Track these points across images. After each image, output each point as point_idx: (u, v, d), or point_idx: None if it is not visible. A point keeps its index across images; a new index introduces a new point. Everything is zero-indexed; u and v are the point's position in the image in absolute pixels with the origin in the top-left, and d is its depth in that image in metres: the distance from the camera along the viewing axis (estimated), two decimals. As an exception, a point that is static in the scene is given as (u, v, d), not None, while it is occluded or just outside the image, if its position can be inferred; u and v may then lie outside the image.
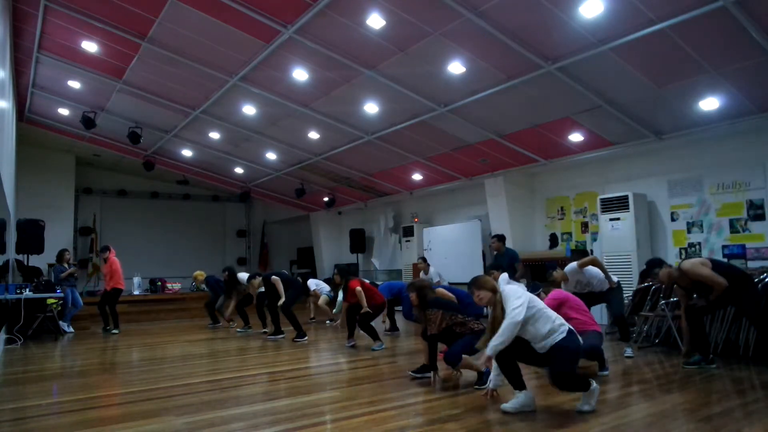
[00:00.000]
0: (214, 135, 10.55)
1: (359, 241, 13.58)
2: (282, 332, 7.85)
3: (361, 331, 6.82)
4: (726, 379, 4.62)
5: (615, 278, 5.90)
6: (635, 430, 3.26)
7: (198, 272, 10.71)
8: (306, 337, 7.54)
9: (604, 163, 8.66)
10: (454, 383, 4.61)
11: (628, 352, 5.74)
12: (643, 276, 6.53)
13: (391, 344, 7.14)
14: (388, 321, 8.41)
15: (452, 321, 4.50)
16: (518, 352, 3.71)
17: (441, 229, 11.42)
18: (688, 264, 4.98)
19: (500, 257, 8.14)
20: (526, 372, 3.97)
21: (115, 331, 8.90)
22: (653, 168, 8.10)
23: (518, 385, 3.74)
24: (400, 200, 12.92)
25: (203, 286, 10.71)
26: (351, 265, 13.28)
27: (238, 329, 8.87)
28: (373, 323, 6.77)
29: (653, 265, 5.43)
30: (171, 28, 6.73)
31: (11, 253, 8.93)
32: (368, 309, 6.63)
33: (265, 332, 8.41)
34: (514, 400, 3.70)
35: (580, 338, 3.72)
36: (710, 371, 4.90)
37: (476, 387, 4.40)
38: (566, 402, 3.84)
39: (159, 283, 13.08)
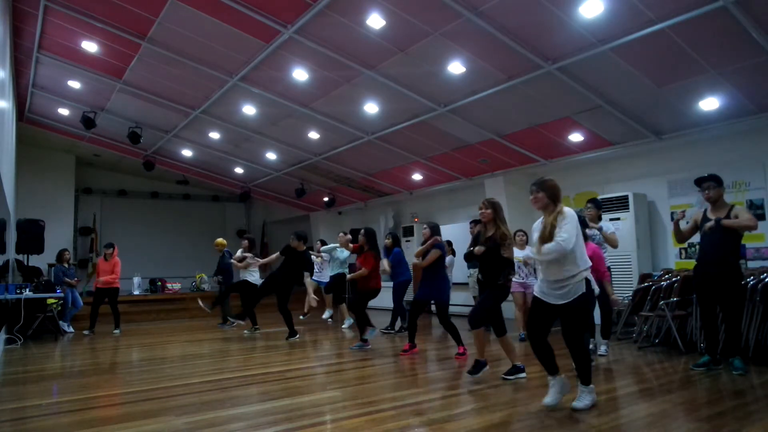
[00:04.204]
0: (214, 135, 10.55)
1: (359, 241, 13.54)
2: (296, 333, 7.75)
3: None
4: (726, 379, 4.62)
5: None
6: (635, 430, 3.26)
7: (220, 239, 10.13)
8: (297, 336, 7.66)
9: (604, 163, 8.66)
10: (454, 382, 4.61)
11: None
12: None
13: (391, 344, 7.15)
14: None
15: None
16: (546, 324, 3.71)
17: (441, 229, 11.34)
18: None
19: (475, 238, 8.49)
20: (533, 370, 3.93)
21: (116, 331, 8.88)
22: (653, 168, 8.10)
23: (552, 369, 3.69)
24: (400, 200, 12.91)
25: (226, 255, 9.79)
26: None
27: (245, 330, 8.79)
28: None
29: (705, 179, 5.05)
30: (171, 28, 6.73)
31: (11, 253, 8.93)
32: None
33: (257, 328, 8.62)
34: (553, 391, 3.69)
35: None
36: (715, 371, 4.89)
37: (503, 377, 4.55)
38: (565, 401, 3.84)
39: (159, 283, 13.08)
